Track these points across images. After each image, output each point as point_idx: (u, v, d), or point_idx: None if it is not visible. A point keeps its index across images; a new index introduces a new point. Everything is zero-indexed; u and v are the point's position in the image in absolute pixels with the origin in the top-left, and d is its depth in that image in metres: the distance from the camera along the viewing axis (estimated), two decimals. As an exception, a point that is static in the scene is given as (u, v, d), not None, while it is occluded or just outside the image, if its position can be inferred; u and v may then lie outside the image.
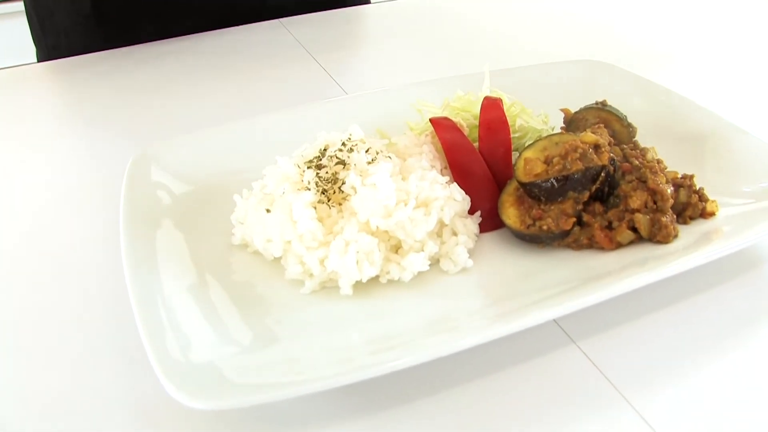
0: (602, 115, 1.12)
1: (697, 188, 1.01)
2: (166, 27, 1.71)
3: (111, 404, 0.80)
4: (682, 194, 0.99)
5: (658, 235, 0.94)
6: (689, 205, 0.99)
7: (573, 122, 1.14)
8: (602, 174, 0.95)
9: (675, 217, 0.97)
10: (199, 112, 1.38)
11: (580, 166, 0.94)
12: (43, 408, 0.80)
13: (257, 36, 1.71)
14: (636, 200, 0.96)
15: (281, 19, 1.78)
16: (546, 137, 1.00)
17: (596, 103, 1.14)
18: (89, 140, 1.34)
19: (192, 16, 1.73)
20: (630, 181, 0.97)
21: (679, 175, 1.02)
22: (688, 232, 0.97)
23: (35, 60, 1.75)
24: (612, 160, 0.97)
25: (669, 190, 0.96)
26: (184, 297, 0.88)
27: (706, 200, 1.00)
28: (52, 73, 1.61)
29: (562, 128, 1.16)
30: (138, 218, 0.97)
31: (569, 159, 0.95)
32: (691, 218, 0.99)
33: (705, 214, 1.00)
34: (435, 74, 1.34)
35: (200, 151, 1.12)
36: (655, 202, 0.96)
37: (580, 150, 0.95)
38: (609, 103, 1.14)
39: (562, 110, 1.17)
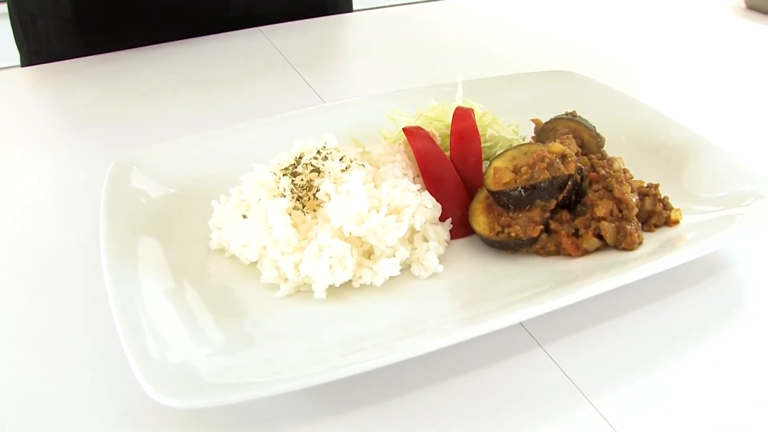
0: (571, 125, 1.14)
1: (662, 197, 1.04)
2: (147, 34, 1.72)
3: (90, 404, 0.81)
4: (648, 203, 1.02)
5: (623, 243, 0.97)
6: (654, 214, 1.02)
7: (543, 132, 1.17)
8: (569, 183, 0.98)
9: (640, 225, 1.00)
10: (179, 119, 1.40)
11: (547, 175, 0.97)
12: (23, 409, 0.81)
13: (236, 44, 1.73)
14: (602, 209, 0.98)
15: (260, 27, 1.80)
16: (515, 147, 1.03)
17: (566, 114, 1.17)
18: (70, 145, 1.35)
19: (172, 24, 1.75)
20: (596, 190, 1.00)
21: (645, 185, 1.05)
22: (652, 240, 1.00)
23: (20, 63, 1.76)
24: (579, 169, 1.00)
25: (634, 199, 0.99)
26: (163, 300, 0.89)
27: (671, 209, 1.03)
28: (34, 77, 1.62)
29: (533, 138, 1.18)
30: (118, 223, 0.99)
31: (536, 168, 0.98)
32: (656, 226, 1.02)
33: (669, 222, 1.03)
34: (413, 83, 1.37)
35: (179, 158, 1.14)
36: (620, 211, 0.99)
37: (547, 160, 0.98)
38: (579, 113, 1.17)
39: (532, 120, 1.20)
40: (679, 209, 1.03)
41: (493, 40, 1.84)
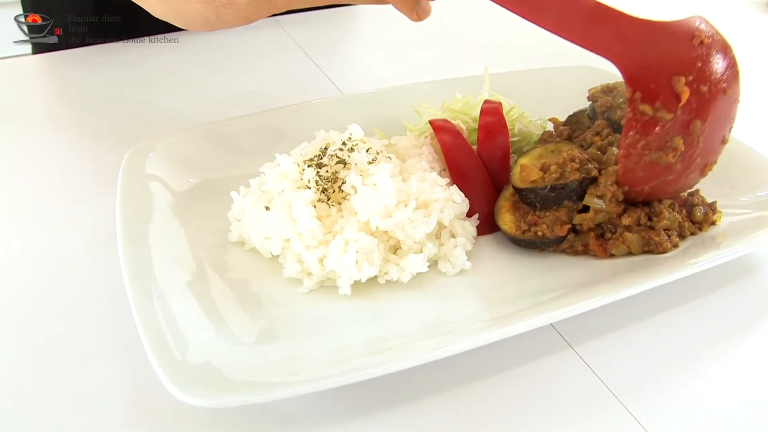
0: (595, 115, 1.12)
1: (709, 202, 1.01)
2: (159, 23, 1.69)
3: (110, 402, 0.79)
4: (698, 213, 0.99)
5: (655, 252, 0.95)
6: (705, 222, 0.99)
7: (569, 124, 1.14)
8: None
9: (672, 230, 0.97)
10: (194, 109, 1.37)
11: (577, 176, 0.94)
12: (41, 406, 0.79)
13: (253, 34, 1.70)
14: (627, 217, 0.95)
15: (277, 17, 1.77)
16: (542, 145, 1.01)
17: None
18: (84, 134, 1.32)
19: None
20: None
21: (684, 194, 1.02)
22: (686, 239, 0.98)
23: (31, 50, 1.73)
24: None
25: (668, 215, 0.96)
26: (181, 294, 0.87)
27: (716, 212, 1.01)
28: (46, 65, 1.59)
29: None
30: (134, 214, 0.96)
31: (568, 168, 0.95)
32: (701, 230, 1.00)
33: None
34: (431, 76, 1.34)
35: (197, 147, 1.11)
36: (649, 219, 0.96)
37: (578, 160, 0.95)
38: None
39: (551, 120, 1.16)
40: (721, 212, 1.01)
41: (516, 33, 1.80)
